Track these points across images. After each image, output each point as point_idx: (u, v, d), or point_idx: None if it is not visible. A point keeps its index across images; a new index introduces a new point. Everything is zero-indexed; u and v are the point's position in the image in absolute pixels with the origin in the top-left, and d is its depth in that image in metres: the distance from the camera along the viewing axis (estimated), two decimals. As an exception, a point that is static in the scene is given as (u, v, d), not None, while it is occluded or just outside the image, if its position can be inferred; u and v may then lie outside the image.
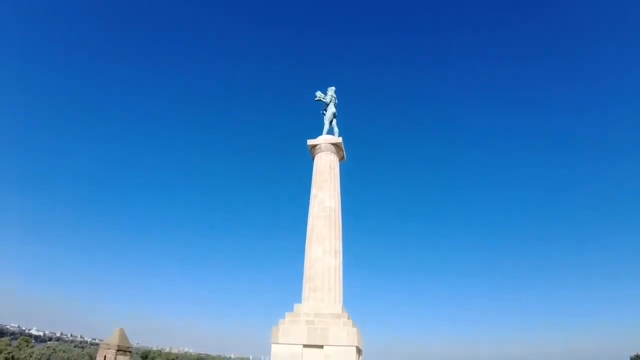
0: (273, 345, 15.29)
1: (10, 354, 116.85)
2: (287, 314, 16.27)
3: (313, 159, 20.02)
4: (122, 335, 26.22)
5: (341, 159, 20.35)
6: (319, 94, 21.30)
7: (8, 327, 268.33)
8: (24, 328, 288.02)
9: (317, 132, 20.48)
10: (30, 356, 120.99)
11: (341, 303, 16.62)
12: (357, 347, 15.05)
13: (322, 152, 19.50)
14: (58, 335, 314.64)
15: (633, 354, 50.15)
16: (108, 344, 25.55)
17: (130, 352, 26.40)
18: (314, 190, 18.75)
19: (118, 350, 25.40)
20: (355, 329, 15.17)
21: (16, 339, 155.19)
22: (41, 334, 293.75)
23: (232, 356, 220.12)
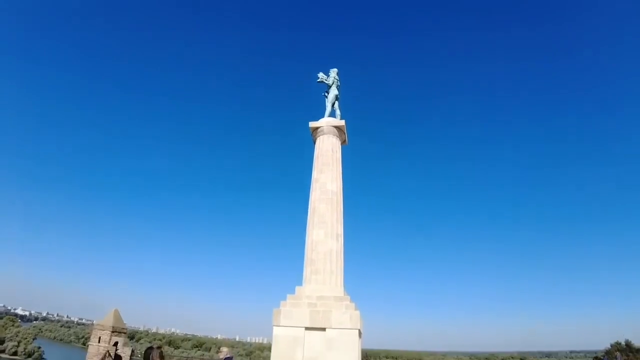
0: (274, 328, 15.33)
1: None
2: (288, 296, 16.30)
3: (314, 142, 19.83)
4: (117, 317, 26.11)
5: (343, 142, 20.20)
6: (321, 75, 20.97)
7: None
8: (9, 308, 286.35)
9: (320, 115, 20.28)
10: (17, 335, 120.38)
11: (343, 286, 16.72)
12: (359, 330, 15.21)
13: (324, 135, 19.32)
14: (44, 315, 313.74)
15: (614, 341, 52.08)
16: (102, 325, 25.41)
17: (125, 333, 26.34)
18: (315, 174, 18.63)
19: (113, 332, 25.31)
20: (357, 312, 15.31)
21: (1, 318, 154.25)
22: (27, 313, 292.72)
23: (219, 337, 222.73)
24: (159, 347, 8.45)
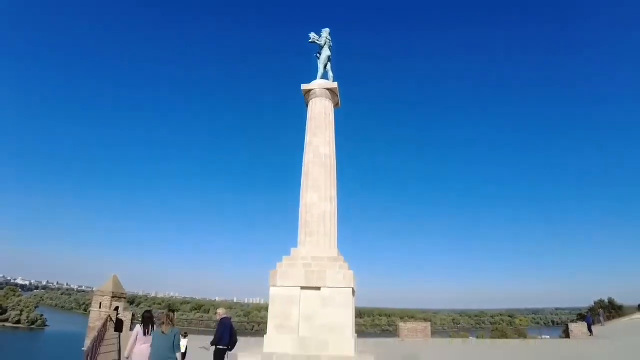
0: (271, 288, 15.71)
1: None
2: (284, 257, 16.60)
3: (307, 105, 19.54)
4: (116, 282, 26.63)
5: (336, 105, 19.92)
6: (312, 35, 20.34)
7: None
8: (9, 278, 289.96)
9: (312, 77, 19.83)
10: (19, 304, 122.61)
11: (336, 247, 17.03)
12: (352, 288, 15.64)
13: (316, 98, 19.02)
14: (44, 284, 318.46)
15: (598, 299, 54.12)
16: (102, 292, 25.97)
17: (124, 298, 26.96)
18: (308, 137, 18.50)
19: (113, 297, 25.91)
20: (351, 272, 15.68)
21: (2, 288, 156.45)
22: (27, 283, 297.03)
23: (217, 299, 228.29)
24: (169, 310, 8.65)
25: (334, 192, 17.73)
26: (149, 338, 8.73)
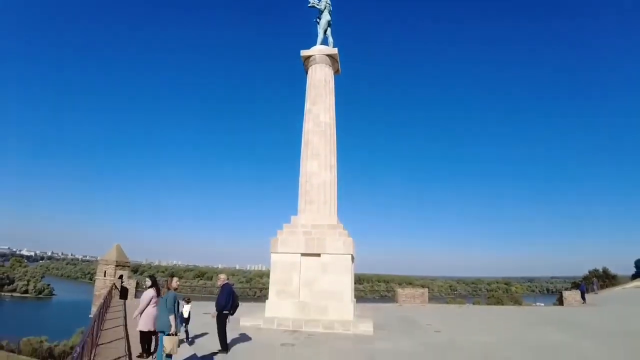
0: (272, 255, 16.01)
1: (5, 274, 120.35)
2: (284, 225, 16.82)
3: (306, 72, 19.23)
4: (119, 251, 27.03)
5: (336, 71, 19.60)
6: None
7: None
8: (14, 249, 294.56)
9: (312, 43, 19.39)
10: (25, 275, 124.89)
11: (336, 215, 17.21)
12: (351, 255, 15.92)
13: (316, 64, 18.68)
14: (49, 254, 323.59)
15: (592, 268, 55.03)
16: (106, 260, 26.39)
17: (128, 266, 27.43)
18: (308, 105, 18.31)
19: (117, 266, 26.34)
20: (350, 239, 15.93)
21: (8, 260, 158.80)
22: (32, 254, 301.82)
23: (220, 266, 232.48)
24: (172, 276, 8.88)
25: (333, 161, 17.74)
26: (156, 301, 9.08)
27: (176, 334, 7.89)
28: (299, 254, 15.78)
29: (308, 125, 17.95)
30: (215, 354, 10.07)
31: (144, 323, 9.10)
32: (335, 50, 18.97)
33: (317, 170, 17.19)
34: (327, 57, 18.86)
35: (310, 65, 18.95)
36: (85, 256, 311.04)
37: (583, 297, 28.82)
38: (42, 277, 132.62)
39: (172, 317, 7.78)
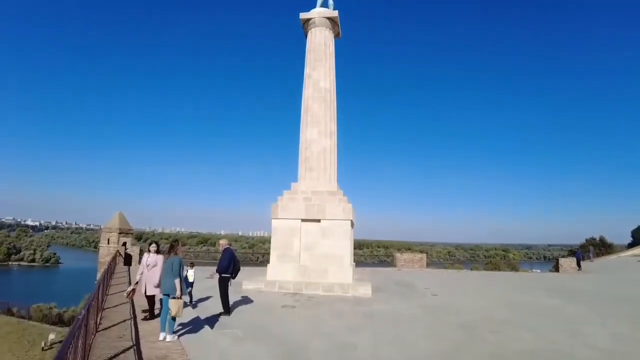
0: (273, 220, 16.19)
1: (12, 244, 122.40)
2: (285, 192, 16.90)
3: (306, 36, 18.71)
4: (122, 219, 27.36)
5: (336, 35, 19.07)
6: None
7: (3, 220, 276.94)
8: (19, 220, 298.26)
9: (312, 5, 18.76)
10: (31, 244, 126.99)
11: (336, 182, 17.26)
12: (351, 220, 16.08)
13: (316, 28, 18.15)
14: (53, 224, 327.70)
15: (589, 236, 55.64)
16: (110, 228, 26.76)
17: (131, 233, 27.84)
18: (307, 70, 17.94)
19: (120, 233, 26.74)
20: (349, 205, 16.04)
21: (14, 230, 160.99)
22: (37, 224, 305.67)
23: (222, 232, 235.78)
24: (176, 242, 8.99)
25: (333, 127, 17.59)
26: (160, 264, 9.27)
27: (181, 297, 8.13)
28: (299, 220, 15.95)
29: (307, 91, 17.67)
30: (218, 315, 10.37)
31: (151, 287, 9.33)
32: (335, 13, 18.38)
33: (317, 137, 17.08)
34: (327, 20, 18.30)
35: (310, 29, 18.43)
36: (89, 225, 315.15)
37: (579, 265, 29.32)
38: (48, 246, 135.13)
39: (177, 281, 7.96)
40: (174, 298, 7.88)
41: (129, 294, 9.51)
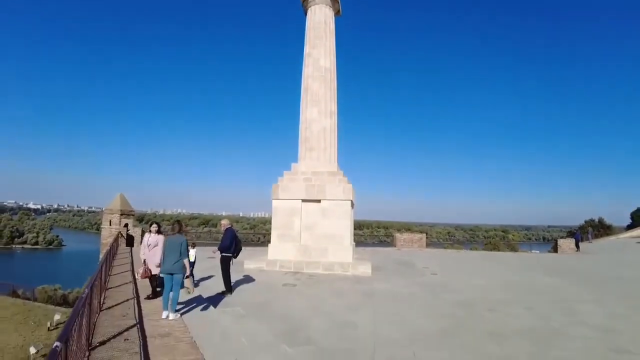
0: (274, 201, 16.22)
1: (14, 227, 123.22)
2: (285, 172, 16.87)
3: (305, 14, 18.34)
4: (123, 200, 27.43)
5: (337, 13, 18.69)
6: None
7: (5, 204, 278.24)
8: (21, 203, 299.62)
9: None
10: (34, 227, 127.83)
11: (336, 162, 17.22)
12: (351, 201, 16.10)
13: (315, 5, 17.75)
14: (55, 207, 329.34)
15: (589, 218, 55.84)
16: (111, 209, 26.84)
17: (133, 215, 27.95)
18: (307, 49, 17.65)
19: (121, 214, 26.84)
20: (349, 185, 16.03)
21: (16, 214, 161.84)
22: (39, 207, 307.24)
23: (223, 213, 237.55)
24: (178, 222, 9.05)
25: (334, 107, 17.42)
26: (160, 244, 9.36)
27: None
28: (300, 200, 15.99)
29: (307, 70, 17.43)
30: (220, 294, 10.48)
31: (153, 267, 9.44)
32: (335, -11, 17.97)
33: (317, 116, 16.93)
34: (326, -4, 17.90)
35: (310, 6, 18.04)
36: (91, 207, 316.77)
37: (577, 246, 29.53)
38: (50, 229, 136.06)
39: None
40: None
41: (143, 274, 9.62)
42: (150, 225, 10.30)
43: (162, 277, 8.88)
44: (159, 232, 9.87)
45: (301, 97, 17.53)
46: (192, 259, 12.63)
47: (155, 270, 9.45)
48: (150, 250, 9.57)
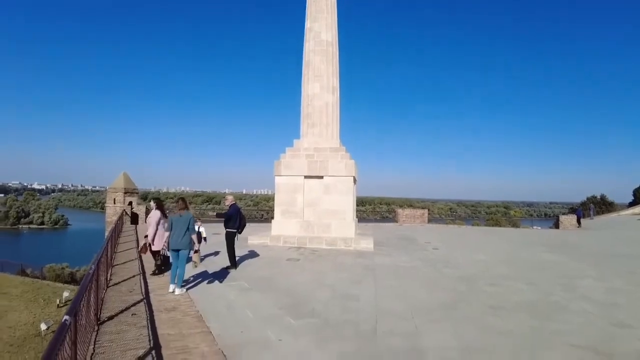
0: (276, 177, 16.24)
1: (20, 208, 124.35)
2: (287, 149, 16.81)
3: (306, -14, 17.85)
4: (127, 178, 27.53)
5: (338, -14, 18.19)
6: None
7: (10, 184, 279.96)
8: (25, 184, 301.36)
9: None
10: (40, 207, 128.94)
11: (338, 138, 17.11)
12: (353, 177, 16.09)
13: (315, -23, 17.26)
14: (60, 187, 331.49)
15: (591, 194, 55.74)
16: (115, 188, 26.97)
17: (137, 193, 28.10)
18: (308, 23, 17.24)
19: (125, 193, 26.99)
20: (352, 161, 15.98)
21: (21, 194, 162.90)
22: (43, 187, 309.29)
23: (227, 191, 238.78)
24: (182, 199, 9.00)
25: (336, 82, 17.17)
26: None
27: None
28: (302, 177, 15.99)
29: (309, 44, 17.08)
30: (224, 269, 10.63)
31: (157, 243, 9.54)
32: (336, -41, 17.40)
33: (319, 92, 16.71)
34: (327, -32, 17.35)
35: (310, -21, 17.52)
36: (95, 186, 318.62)
37: (579, 222, 29.60)
38: (55, 209, 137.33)
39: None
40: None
41: (142, 249, 9.74)
42: (149, 202, 10.36)
43: (164, 255, 9.07)
44: (158, 208, 9.91)
45: (303, 72, 17.26)
46: (203, 235, 12.76)
47: (158, 246, 9.56)
48: (155, 228, 9.62)
